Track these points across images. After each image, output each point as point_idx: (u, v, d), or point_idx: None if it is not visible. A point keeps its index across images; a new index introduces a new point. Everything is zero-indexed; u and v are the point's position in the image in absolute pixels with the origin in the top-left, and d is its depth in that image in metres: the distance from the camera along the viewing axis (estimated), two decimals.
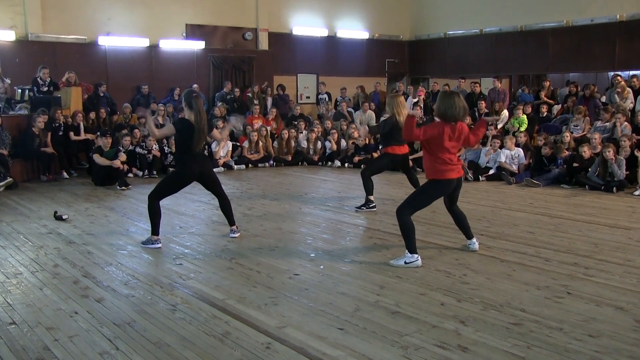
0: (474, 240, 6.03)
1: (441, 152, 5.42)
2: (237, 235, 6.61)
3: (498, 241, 6.41)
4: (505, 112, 13.62)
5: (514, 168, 10.95)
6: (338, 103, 16.27)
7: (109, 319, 4.24)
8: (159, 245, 6.17)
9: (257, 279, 5.11)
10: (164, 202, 8.46)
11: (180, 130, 6.11)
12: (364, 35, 19.50)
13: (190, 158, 6.14)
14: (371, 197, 8.10)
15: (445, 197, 5.81)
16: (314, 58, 18.53)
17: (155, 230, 6.21)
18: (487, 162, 11.32)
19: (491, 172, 11.09)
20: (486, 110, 13.95)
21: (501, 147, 11.32)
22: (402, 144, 7.95)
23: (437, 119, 5.77)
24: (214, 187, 6.50)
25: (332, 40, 18.94)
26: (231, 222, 6.66)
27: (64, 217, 7.62)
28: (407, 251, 5.44)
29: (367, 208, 8.07)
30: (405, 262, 5.40)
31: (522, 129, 12.44)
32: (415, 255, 5.42)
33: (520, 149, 11.11)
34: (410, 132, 5.35)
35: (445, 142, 5.39)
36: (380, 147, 9.65)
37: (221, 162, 12.56)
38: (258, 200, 9.04)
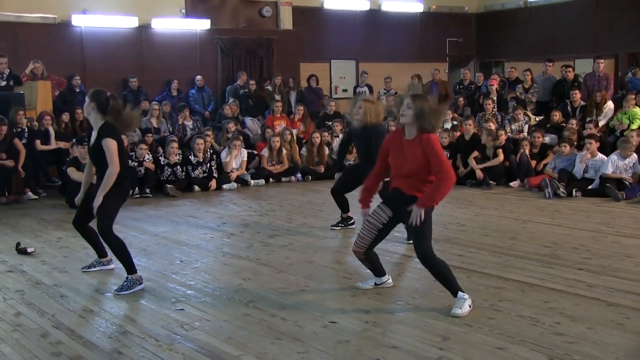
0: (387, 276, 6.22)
1: None
2: (111, 266, 6.84)
3: (603, 278, 6.29)
4: (610, 105, 13.45)
5: (628, 177, 10.66)
6: (381, 97, 16.24)
7: None
8: (142, 285, 6.18)
9: (281, 329, 5.10)
10: (159, 231, 8.63)
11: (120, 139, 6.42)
12: (417, 7, 19.54)
13: (127, 171, 6.69)
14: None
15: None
16: (353, 39, 18.62)
17: (130, 267, 6.19)
18: (585, 172, 11.15)
19: (592, 186, 10.90)
20: (581, 103, 13.77)
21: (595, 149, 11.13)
22: None
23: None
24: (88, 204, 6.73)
25: (375, 16, 19.00)
26: (102, 252, 6.87)
27: (29, 250, 7.68)
28: (458, 293, 5.37)
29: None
30: (469, 306, 5.33)
31: (635, 126, 12.27)
32: (465, 295, 5.38)
33: (635, 155, 10.84)
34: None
35: None
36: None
37: (234, 175, 12.59)
38: (282, 225, 9.06)
